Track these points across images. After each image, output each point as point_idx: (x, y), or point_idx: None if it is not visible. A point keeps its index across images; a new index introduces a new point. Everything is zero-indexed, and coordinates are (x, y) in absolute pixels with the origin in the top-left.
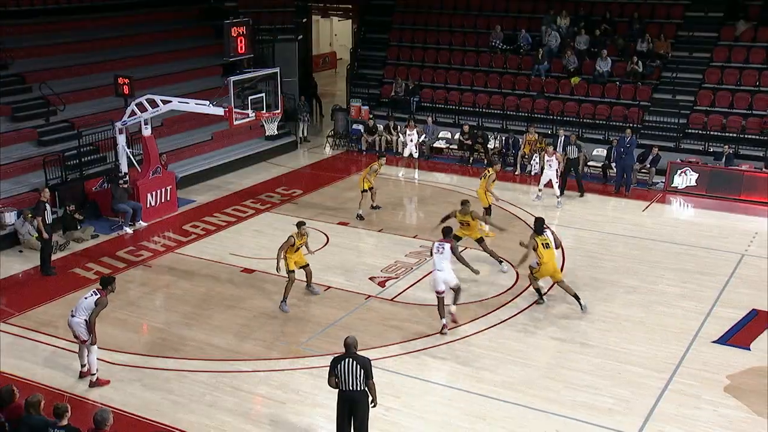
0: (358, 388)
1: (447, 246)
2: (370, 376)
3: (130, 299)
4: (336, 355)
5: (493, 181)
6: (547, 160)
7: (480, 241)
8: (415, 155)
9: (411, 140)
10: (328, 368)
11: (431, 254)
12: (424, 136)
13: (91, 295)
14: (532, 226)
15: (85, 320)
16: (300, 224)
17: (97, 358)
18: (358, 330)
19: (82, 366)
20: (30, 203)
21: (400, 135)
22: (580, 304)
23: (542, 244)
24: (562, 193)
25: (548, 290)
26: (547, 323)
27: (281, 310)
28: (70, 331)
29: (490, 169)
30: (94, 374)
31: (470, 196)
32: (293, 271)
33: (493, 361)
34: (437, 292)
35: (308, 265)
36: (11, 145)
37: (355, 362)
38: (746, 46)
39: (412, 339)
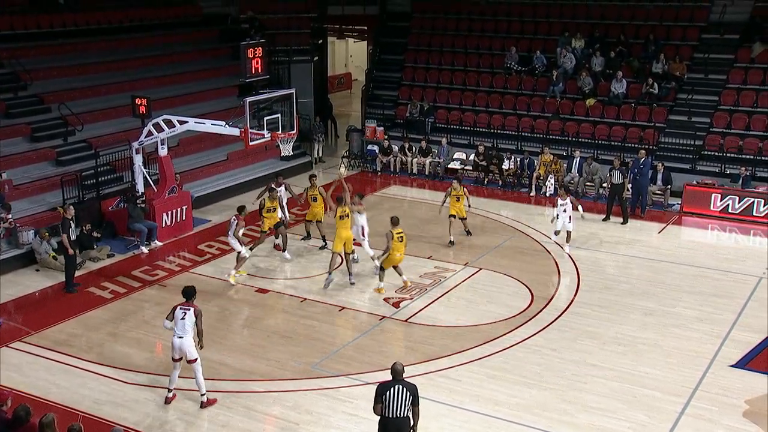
0: (404, 415)
1: None
2: (417, 402)
3: (145, 318)
4: (382, 382)
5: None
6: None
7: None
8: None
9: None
10: (341, 389)
11: None
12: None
13: (181, 309)
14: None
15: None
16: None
17: (111, 378)
18: (372, 351)
19: (169, 391)
20: (47, 222)
21: (418, 156)
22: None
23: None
24: (608, 217)
25: (566, 309)
26: (562, 345)
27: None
28: (174, 352)
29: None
30: (204, 394)
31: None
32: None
33: (508, 383)
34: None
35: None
36: (29, 165)
37: (404, 389)
38: (763, 68)
39: (426, 360)
